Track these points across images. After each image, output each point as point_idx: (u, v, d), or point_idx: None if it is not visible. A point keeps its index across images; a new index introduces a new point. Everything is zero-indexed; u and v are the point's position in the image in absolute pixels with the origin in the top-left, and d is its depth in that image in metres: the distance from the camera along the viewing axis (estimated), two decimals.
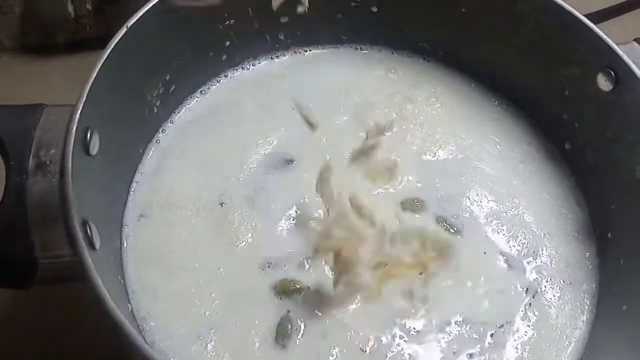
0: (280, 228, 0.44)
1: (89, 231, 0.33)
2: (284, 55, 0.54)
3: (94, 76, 0.36)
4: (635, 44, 0.46)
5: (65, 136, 0.34)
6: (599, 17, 0.56)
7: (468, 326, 0.41)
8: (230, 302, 0.40)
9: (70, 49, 0.66)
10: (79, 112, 0.35)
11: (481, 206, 0.47)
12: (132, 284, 0.41)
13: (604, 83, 0.44)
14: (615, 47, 0.42)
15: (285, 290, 0.41)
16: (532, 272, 0.44)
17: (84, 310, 0.35)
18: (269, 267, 0.42)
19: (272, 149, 0.48)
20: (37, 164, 0.35)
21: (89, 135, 0.36)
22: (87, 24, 0.65)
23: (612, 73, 0.43)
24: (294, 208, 0.45)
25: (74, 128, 0.34)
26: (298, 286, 0.41)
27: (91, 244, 0.33)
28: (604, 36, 0.43)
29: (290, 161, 0.47)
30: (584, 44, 0.44)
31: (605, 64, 0.43)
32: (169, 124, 0.49)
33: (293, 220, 0.44)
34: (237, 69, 0.52)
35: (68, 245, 0.32)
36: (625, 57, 0.42)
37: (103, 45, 0.39)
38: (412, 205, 0.46)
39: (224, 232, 0.43)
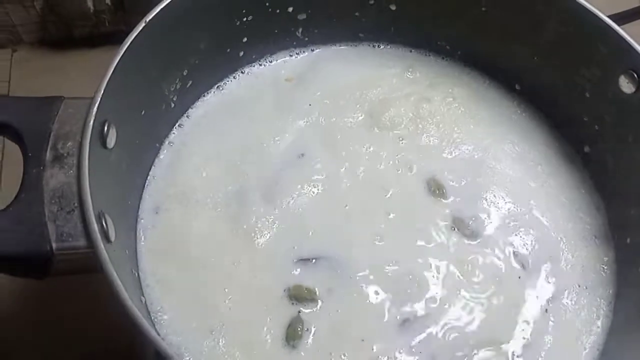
0: (297, 227, 0.43)
1: (104, 224, 0.33)
2: (301, 52, 0.54)
3: (112, 70, 0.36)
4: None
5: (83, 129, 0.35)
6: (622, 18, 0.55)
7: (484, 332, 0.41)
8: (244, 299, 0.40)
9: (89, 43, 0.66)
10: (96, 105, 0.35)
11: (498, 208, 0.46)
12: (147, 277, 0.41)
13: (626, 85, 0.43)
14: (638, 48, 0.41)
15: (297, 296, 0.41)
16: (548, 277, 0.44)
17: (95, 302, 0.35)
18: (285, 265, 0.42)
19: (289, 145, 0.48)
20: (54, 156, 0.35)
21: (106, 128, 0.36)
22: (105, 18, 0.65)
23: (635, 75, 0.42)
24: (313, 205, 0.44)
25: (92, 121, 0.35)
26: (311, 294, 0.41)
27: (106, 237, 0.33)
28: (627, 37, 0.42)
29: (302, 155, 0.47)
30: (606, 44, 0.43)
31: (628, 65, 0.42)
32: (186, 119, 0.49)
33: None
34: (254, 65, 0.52)
35: (84, 237, 0.32)
36: None
37: (122, 39, 0.39)
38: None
39: (241, 227, 0.43)
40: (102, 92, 0.36)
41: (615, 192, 0.46)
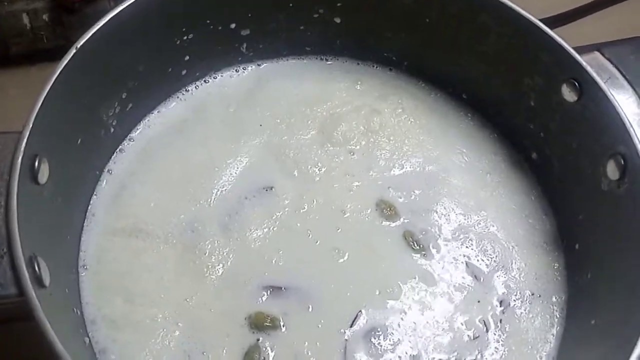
0: (255, 257, 0.42)
1: (37, 268, 0.32)
2: (247, 67, 0.52)
3: (40, 102, 0.35)
4: (597, 53, 0.45)
5: (11, 167, 0.33)
6: (556, 20, 0.55)
7: (438, 348, 0.41)
8: (197, 333, 0.39)
9: (28, 60, 0.63)
10: (24, 141, 0.33)
11: (449, 220, 0.46)
12: (91, 314, 0.40)
13: (568, 94, 0.43)
14: (578, 57, 0.42)
15: (258, 324, 0.40)
16: (502, 286, 0.44)
17: (35, 346, 0.33)
18: (240, 298, 0.41)
19: (243, 169, 0.46)
20: None
21: (37, 163, 0.35)
22: (44, 35, 0.63)
23: (576, 84, 0.42)
24: (271, 233, 0.43)
25: (20, 158, 0.33)
26: (272, 322, 0.40)
27: (39, 282, 0.32)
28: (567, 47, 0.42)
29: (258, 179, 0.46)
30: (548, 54, 0.44)
31: (569, 74, 0.43)
32: (129, 144, 0.47)
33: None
34: (198, 84, 0.51)
35: (14, 285, 0.31)
36: (588, 69, 0.41)
37: (61, 55, 0.37)
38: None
39: (193, 261, 0.42)
40: (30, 125, 0.34)
41: (563, 198, 0.47)
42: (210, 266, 0.42)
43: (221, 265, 0.42)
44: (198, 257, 0.42)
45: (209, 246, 0.43)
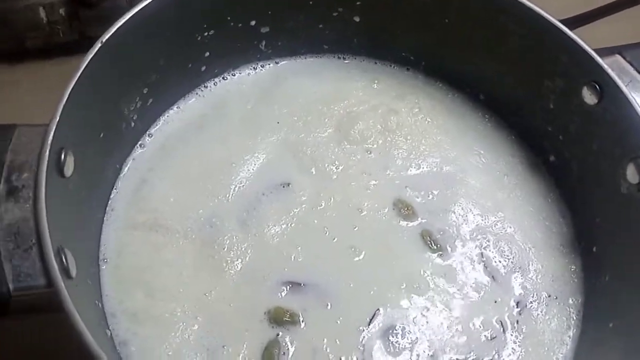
0: (274, 252, 0.43)
1: (64, 260, 0.32)
2: (265, 65, 0.53)
3: (66, 96, 0.35)
4: (618, 56, 0.45)
5: (39, 160, 0.33)
6: (574, 22, 0.55)
7: (455, 348, 0.41)
8: (216, 327, 0.39)
9: (43, 55, 0.63)
10: (52, 133, 0.34)
11: (467, 220, 0.46)
12: (112, 307, 0.40)
13: (589, 96, 0.43)
14: (599, 60, 0.42)
15: (277, 319, 0.40)
16: (519, 287, 0.44)
17: (61, 338, 0.33)
18: (259, 293, 0.41)
19: (260, 166, 0.47)
20: (9, 189, 0.33)
21: (63, 156, 0.35)
22: (60, 29, 0.63)
23: (597, 87, 0.42)
24: (289, 229, 0.44)
25: (47, 151, 0.33)
26: (291, 317, 0.40)
27: (67, 273, 0.32)
28: (588, 49, 0.42)
29: (275, 176, 0.46)
30: (568, 57, 0.44)
31: (590, 77, 0.43)
32: (148, 139, 0.47)
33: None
34: (217, 80, 0.51)
35: (43, 276, 0.31)
36: (610, 71, 0.41)
37: (77, 50, 0.38)
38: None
39: (212, 256, 0.42)
40: (57, 119, 0.34)
41: (581, 201, 0.47)
42: (229, 261, 0.42)
43: (240, 260, 0.42)
44: (217, 252, 0.42)
45: (228, 241, 0.43)
